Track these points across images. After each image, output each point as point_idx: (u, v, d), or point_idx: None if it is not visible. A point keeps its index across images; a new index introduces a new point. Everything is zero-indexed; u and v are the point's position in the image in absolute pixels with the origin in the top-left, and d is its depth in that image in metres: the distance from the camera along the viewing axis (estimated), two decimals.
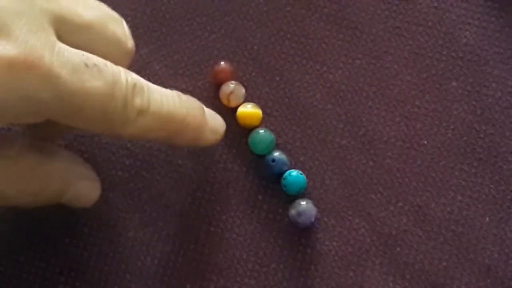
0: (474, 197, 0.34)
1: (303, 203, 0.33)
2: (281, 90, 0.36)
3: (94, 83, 0.27)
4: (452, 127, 0.35)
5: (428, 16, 0.37)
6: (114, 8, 0.37)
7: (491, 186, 0.34)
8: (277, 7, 0.37)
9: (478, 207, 0.34)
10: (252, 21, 0.37)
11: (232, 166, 0.35)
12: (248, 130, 0.35)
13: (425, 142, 0.35)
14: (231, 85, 0.35)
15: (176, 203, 0.34)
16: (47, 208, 0.34)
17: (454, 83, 0.36)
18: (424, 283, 0.33)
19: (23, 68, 0.25)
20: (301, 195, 0.34)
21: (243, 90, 0.35)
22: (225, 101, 0.35)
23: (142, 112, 0.29)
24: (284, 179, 0.34)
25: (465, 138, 0.35)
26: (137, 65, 0.36)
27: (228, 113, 0.35)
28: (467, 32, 0.36)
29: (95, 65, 0.27)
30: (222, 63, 0.36)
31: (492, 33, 0.36)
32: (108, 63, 0.28)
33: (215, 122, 0.33)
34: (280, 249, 0.34)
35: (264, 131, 0.35)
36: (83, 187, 0.31)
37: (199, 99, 0.36)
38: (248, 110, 0.35)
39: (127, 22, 0.37)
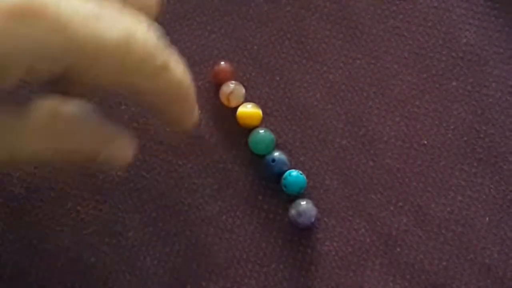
0: (474, 197, 0.34)
1: (303, 203, 0.33)
2: (281, 90, 0.36)
3: (108, 32, 0.26)
4: (452, 127, 0.35)
5: (428, 16, 0.37)
6: None
7: (491, 186, 0.34)
8: (277, 7, 0.37)
9: (478, 207, 0.34)
10: (252, 21, 0.37)
11: (232, 166, 0.35)
12: (248, 130, 0.35)
13: (425, 142, 0.35)
14: (231, 85, 0.35)
15: (176, 203, 0.34)
16: (47, 208, 0.34)
17: (454, 83, 0.36)
18: (424, 283, 0.33)
19: (29, 15, 0.25)
20: (301, 195, 0.34)
21: (243, 90, 0.35)
22: (225, 101, 0.35)
23: (161, 68, 0.28)
24: (284, 179, 0.34)
25: (465, 138, 0.35)
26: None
27: (228, 113, 0.35)
28: (467, 32, 0.36)
29: (108, 13, 0.27)
30: (222, 63, 0.36)
31: (492, 33, 0.36)
32: (124, 12, 0.27)
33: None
34: (280, 249, 0.34)
35: (264, 131, 0.35)
36: (117, 146, 0.31)
37: (199, 99, 0.36)
38: (248, 110, 0.35)
39: None
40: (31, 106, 0.28)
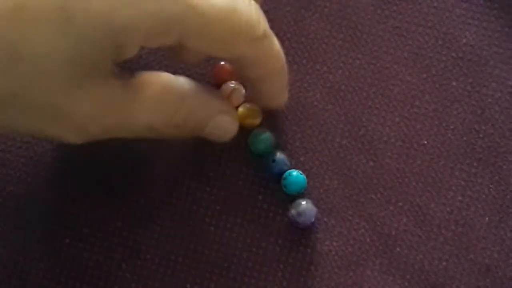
0: (474, 197, 0.34)
1: (303, 203, 0.33)
2: None
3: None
4: (452, 127, 0.35)
5: (428, 16, 0.37)
6: None
7: (491, 186, 0.34)
8: (277, 7, 0.37)
9: (478, 207, 0.34)
10: None
11: (232, 166, 0.35)
12: (248, 130, 0.35)
13: (425, 142, 0.35)
14: (231, 85, 0.35)
15: (176, 203, 0.34)
16: (47, 208, 0.34)
17: (454, 83, 0.36)
18: (424, 283, 0.33)
19: None
20: (301, 195, 0.34)
21: (243, 90, 0.35)
22: None
23: (263, 36, 0.30)
24: (284, 179, 0.34)
25: (465, 138, 0.35)
26: (137, 65, 0.36)
27: None
28: (467, 32, 0.36)
29: None
30: (222, 63, 0.36)
31: (492, 33, 0.36)
32: None
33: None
34: (280, 249, 0.34)
35: (264, 132, 0.35)
36: (222, 120, 0.32)
37: None
38: (248, 110, 0.35)
39: None
40: (141, 78, 0.30)
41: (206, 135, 0.32)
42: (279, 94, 0.34)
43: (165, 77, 0.30)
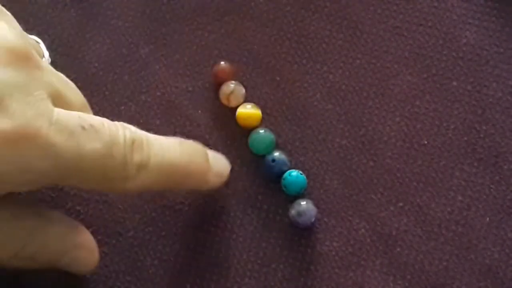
0: (475, 197, 0.34)
1: (303, 203, 0.33)
2: (281, 90, 0.36)
3: (92, 145, 0.27)
4: (452, 127, 0.35)
5: (428, 16, 0.37)
6: (114, 8, 0.37)
7: (492, 186, 0.34)
8: (277, 7, 0.37)
9: (479, 207, 0.34)
10: (252, 21, 0.37)
11: (232, 166, 0.35)
12: (248, 130, 0.35)
13: (425, 142, 0.35)
14: (231, 85, 0.35)
15: (175, 204, 0.34)
16: (47, 208, 0.34)
17: (454, 83, 0.36)
18: (424, 283, 0.33)
19: (20, 141, 0.25)
20: (301, 195, 0.34)
21: (243, 90, 0.35)
22: (225, 101, 0.35)
23: (142, 167, 0.29)
24: (284, 179, 0.34)
25: (465, 138, 0.35)
26: (137, 65, 0.36)
27: (228, 113, 0.35)
28: (467, 32, 0.36)
29: (91, 126, 0.27)
30: (222, 63, 0.36)
31: (492, 33, 0.36)
32: (105, 121, 0.28)
33: (219, 165, 0.33)
34: (280, 249, 0.34)
35: (264, 132, 0.35)
36: (79, 255, 0.31)
37: (199, 99, 0.36)
38: (248, 111, 0.35)
39: (127, 22, 0.37)
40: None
41: (62, 267, 0.31)
42: (198, 187, 0.33)
43: (15, 208, 0.29)
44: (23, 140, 0.25)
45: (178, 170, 0.30)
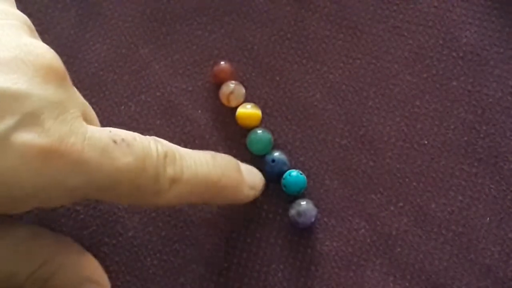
0: (475, 197, 0.34)
1: (303, 203, 0.33)
2: (281, 90, 0.36)
3: (124, 160, 0.27)
4: (452, 127, 0.35)
5: (428, 16, 0.37)
6: (114, 8, 0.37)
7: (492, 186, 0.34)
8: (277, 7, 0.37)
9: (479, 207, 0.34)
10: (252, 21, 0.37)
11: None
12: (248, 130, 0.35)
13: (425, 142, 0.35)
14: (231, 85, 0.35)
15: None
16: (47, 210, 0.34)
17: (454, 83, 0.36)
18: (424, 283, 0.33)
19: (55, 157, 0.25)
20: (301, 195, 0.34)
21: (243, 90, 0.35)
22: (225, 101, 0.35)
23: (175, 181, 0.29)
24: (284, 179, 0.34)
25: (465, 138, 0.35)
26: (137, 65, 0.36)
27: (228, 113, 0.35)
28: (467, 32, 0.36)
29: (123, 140, 0.27)
30: (222, 63, 0.36)
31: (492, 33, 0.36)
32: (137, 135, 0.28)
33: (252, 177, 0.33)
34: (280, 249, 0.34)
35: (262, 131, 0.35)
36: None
37: (199, 99, 0.36)
38: (248, 111, 0.35)
39: (127, 22, 0.37)
40: (14, 224, 0.29)
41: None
42: (232, 200, 0.32)
43: (35, 227, 0.29)
44: (57, 156, 0.25)
45: (211, 183, 0.30)
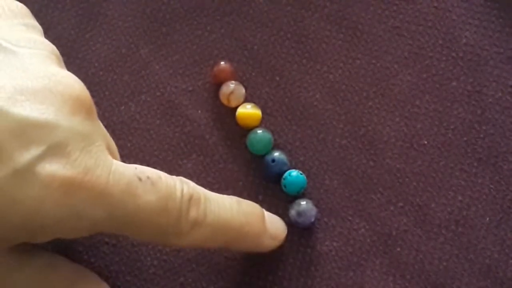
0: (474, 197, 0.34)
1: (303, 203, 0.33)
2: (281, 90, 0.36)
3: (147, 198, 0.27)
4: (452, 127, 0.35)
5: (428, 16, 0.37)
6: (114, 8, 0.37)
7: (491, 186, 0.34)
8: (277, 7, 0.37)
9: (478, 207, 0.34)
10: (252, 21, 0.37)
11: (232, 166, 0.35)
12: (248, 130, 0.35)
13: (425, 142, 0.35)
14: (231, 85, 0.35)
15: None
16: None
17: (454, 83, 0.36)
18: (424, 283, 0.33)
19: (79, 188, 0.26)
20: (301, 195, 0.34)
21: (243, 90, 0.35)
22: (225, 101, 0.35)
23: (197, 223, 0.28)
24: (284, 179, 0.34)
25: (465, 138, 0.35)
26: (137, 65, 0.36)
27: (228, 113, 0.35)
28: (467, 32, 0.36)
29: (148, 178, 0.27)
30: (222, 63, 0.36)
31: (492, 33, 0.36)
32: (163, 174, 0.28)
33: (275, 227, 0.33)
34: (280, 249, 0.34)
35: (262, 131, 0.35)
36: None
37: (199, 99, 0.36)
38: (248, 111, 0.35)
39: (127, 22, 0.37)
40: (34, 253, 0.29)
41: None
42: (252, 249, 0.32)
43: (52, 257, 0.29)
44: (82, 187, 0.26)
45: (233, 230, 0.30)
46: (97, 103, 0.35)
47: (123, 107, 0.36)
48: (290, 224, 0.34)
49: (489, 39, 0.36)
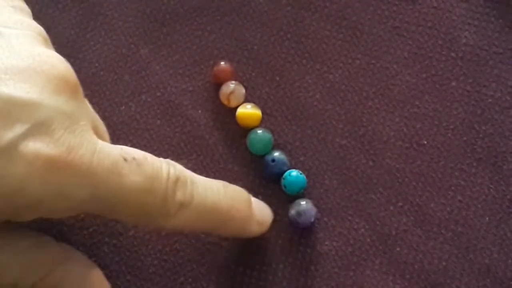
0: (474, 197, 0.34)
1: (303, 203, 0.33)
2: (281, 90, 0.36)
3: (132, 178, 0.27)
4: (452, 127, 0.35)
5: (428, 16, 0.37)
6: (114, 8, 0.37)
7: (491, 186, 0.34)
8: (277, 7, 0.37)
9: (478, 207, 0.34)
10: (252, 21, 0.37)
11: (232, 166, 0.35)
12: (248, 130, 0.35)
13: (425, 142, 0.35)
14: (231, 85, 0.35)
15: None
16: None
17: (454, 83, 0.36)
18: (424, 283, 0.33)
19: (62, 167, 0.25)
20: (301, 195, 0.34)
21: (243, 90, 0.35)
22: (225, 101, 0.35)
23: (183, 205, 0.28)
24: (284, 179, 0.34)
25: (465, 138, 0.35)
26: (137, 65, 0.36)
27: (228, 113, 0.35)
28: (467, 32, 0.36)
29: (134, 159, 0.27)
30: (222, 63, 0.36)
31: (492, 33, 0.36)
32: (149, 156, 0.28)
33: (261, 213, 0.33)
34: (280, 249, 0.34)
35: (262, 131, 0.35)
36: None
37: (199, 99, 0.36)
38: (248, 111, 0.35)
39: (127, 22, 0.37)
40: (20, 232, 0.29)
41: None
42: (239, 233, 0.32)
43: (39, 236, 0.29)
44: (65, 166, 0.25)
45: (219, 213, 0.30)
46: (97, 103, 0.35)
47: (123, 107, 0.36)
48: (290, 224, 0.34)
49: (489, 39, 0.36)
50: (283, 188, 0.34)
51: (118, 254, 0.34)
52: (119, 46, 0.37)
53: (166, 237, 0.34)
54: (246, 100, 0.35)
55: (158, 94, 0.36)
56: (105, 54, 0.36)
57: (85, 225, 0.34)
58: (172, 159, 0.35)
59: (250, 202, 0.32)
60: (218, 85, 0.36)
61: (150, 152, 0.35)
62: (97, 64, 0.36)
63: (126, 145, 0.35)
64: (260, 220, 0.32)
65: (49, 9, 0.37)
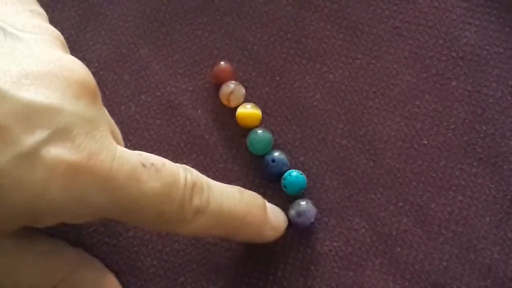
0: (474, 197, 0.34)
1: (303, 203, 0.33)
2: (281, 90, 0.36)
3: (151, 184, 0.27)
4: (452, 127, 0.35)
5: (428, 16, 0.37)
6: (114, 8, 0.37)
7: (491, 186, 0.34)
8: (277, 7, 0.37)
9: (478, 207, 0.34)
10: (252, 21, 0.37)
11: (232, 166, 0.35)
12: (248, 130, 0.35)
13: (425, 142, 0.35)
14: (231, 85, 0.35)
15: None
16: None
17: (454, 83, 0.36)
18: (424, 283, 0.33)
19: (83, 173, 0.26)
20: (301, 195, 0.34)
21: (243, 90, 0.35)
22: (225, 101, 0.35)
23: (200, 211, 0.29)
24: (284, 179, 0.34)
25: (465, 138, 0.35)
26: (137, 65, 0.36)
27: (228, 113, 0.35)
28: (467, 32, 0.36)
29: (152, 164, 0.27)
30: (222, 63, 0.36)
31: (492, 33, 0.36)
32: (166, 161, 0.28)
33: (276, 218, 0.33)
34: (280, 249, 0.34)
35: (262, 131, 0.35)
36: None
37: (199, 99, 0.36)
38: (248, 111, 0.35)
39: (127, 22, 0.37)
40: (36, 238, 0.29)
41: None
42: (253, 239, 0.32)
43: (57, 241, 0.30)
44: (86, 172, 0.26)
45: (235, 218, 0.30)
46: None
47: (123, 107, 0.36)
48: (290, 224, 0.34)
49: (489, 39, 0.36)
50: (283, 188, 0.34)
51: (118, 254, 0.34)
52: (119, 46, 0.37)
53: (166, 237, 0.34)
54: (246, 100, 0.35)
55: (158, 94, 0.36)
56: (105, 54, 0.36)
57: (85, 225, 0.34)
58: (172, 159, 0.35)
59: (265, 207, 0.32)
60: (218, 85, 0.36)
61: (150, 152, 0.35)
62: (97, 64, 0.36)
63: (126, 145, 0.35)
64: (275, 225, 0.32)
65: (49, 9, 0.37)
